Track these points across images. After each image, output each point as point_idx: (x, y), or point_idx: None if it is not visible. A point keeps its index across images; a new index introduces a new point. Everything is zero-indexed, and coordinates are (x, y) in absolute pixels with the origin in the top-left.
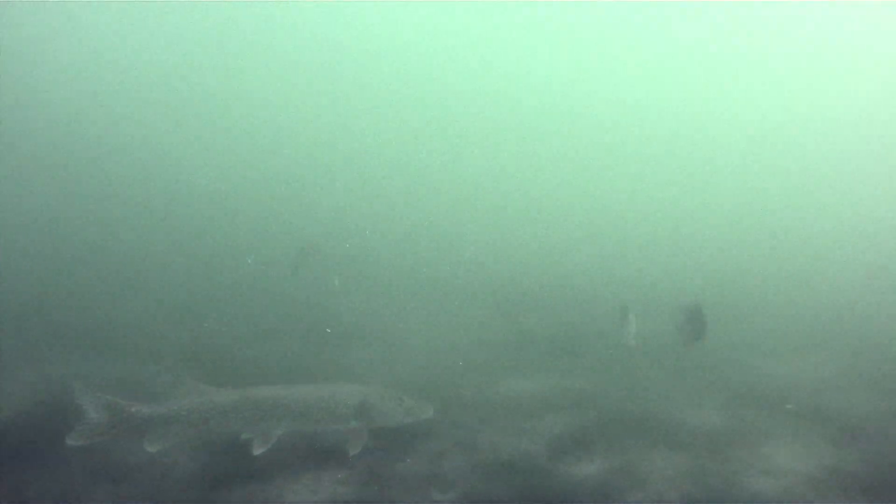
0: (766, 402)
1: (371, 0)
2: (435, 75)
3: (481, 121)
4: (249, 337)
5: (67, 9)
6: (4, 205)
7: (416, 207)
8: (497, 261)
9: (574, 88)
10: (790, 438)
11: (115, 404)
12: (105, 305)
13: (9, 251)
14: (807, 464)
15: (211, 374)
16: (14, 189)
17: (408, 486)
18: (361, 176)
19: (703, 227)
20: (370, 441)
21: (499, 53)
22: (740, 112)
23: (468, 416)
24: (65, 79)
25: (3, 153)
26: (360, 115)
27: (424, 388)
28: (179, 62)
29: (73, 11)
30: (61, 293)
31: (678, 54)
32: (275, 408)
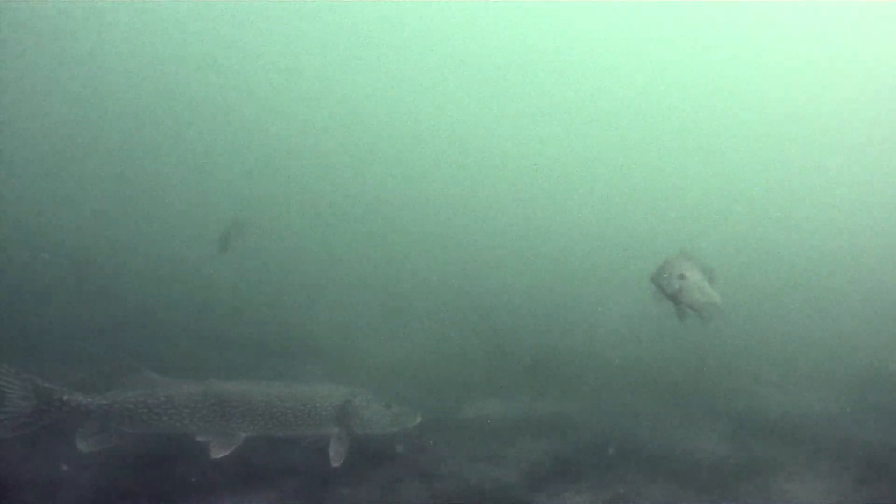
0: (776, 433)
1: None
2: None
3: (456, 122)
4: (190, 347)
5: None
6: None
7: (382, 212)
8: (470, 273)
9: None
10: (809, 473)
11: (45, 389)
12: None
13: None
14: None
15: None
16: None
17: None
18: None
19: (699, 245)
20: (307, 460)
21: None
22: (735, 117)
23: (430, 438)
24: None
25: None
26: (337, 113)
27: None
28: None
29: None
30: None
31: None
32: (242, 405)
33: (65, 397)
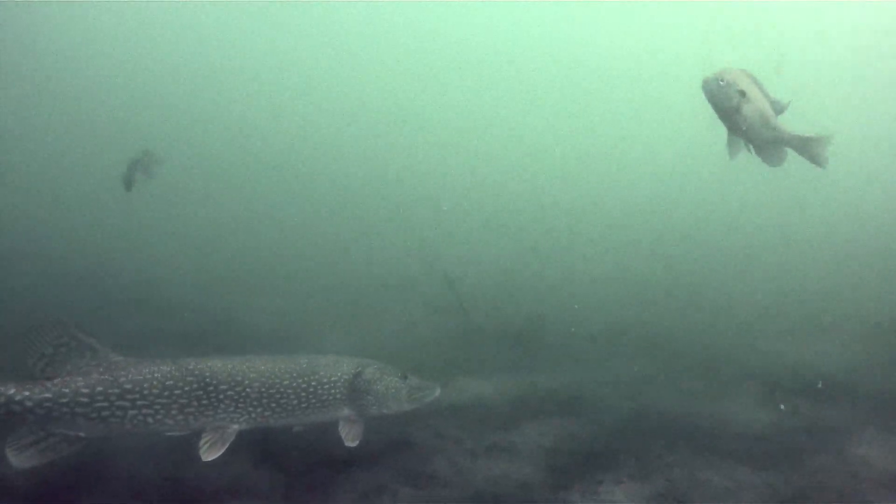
0: (818, 392)
1: None
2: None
3: (433, 94)
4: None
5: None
6: None
7: (341, 189)
8: (442, 247)
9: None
10: (882, 435)
11: None
12: None
13: None
14: None
15: None
16: None
17: None
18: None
19: (676, 210)
20: (265, 472)
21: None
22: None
23: (415, 430)
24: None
25: None
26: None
27: None
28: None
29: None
30: None
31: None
32: (233, 389)
33: None
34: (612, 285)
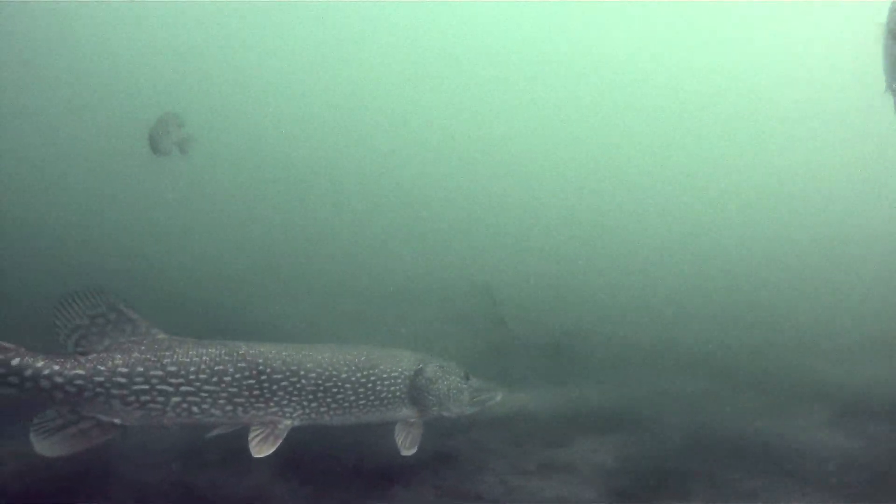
0: (891, 415)
1: None
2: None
3: (441, 112)
4: None
5: None
6: None
7: (373, 199)
8: (466, 259)
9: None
10: None
11: None
12: None
13: None
14: None
15: None
16: None
17: None
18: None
19: (722, 219)
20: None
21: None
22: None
23: (456, 443)
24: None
25: None
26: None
27: None
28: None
29: None
30: None
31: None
32: (288, 380)
33: (14, 362)
34: (659, 299)
